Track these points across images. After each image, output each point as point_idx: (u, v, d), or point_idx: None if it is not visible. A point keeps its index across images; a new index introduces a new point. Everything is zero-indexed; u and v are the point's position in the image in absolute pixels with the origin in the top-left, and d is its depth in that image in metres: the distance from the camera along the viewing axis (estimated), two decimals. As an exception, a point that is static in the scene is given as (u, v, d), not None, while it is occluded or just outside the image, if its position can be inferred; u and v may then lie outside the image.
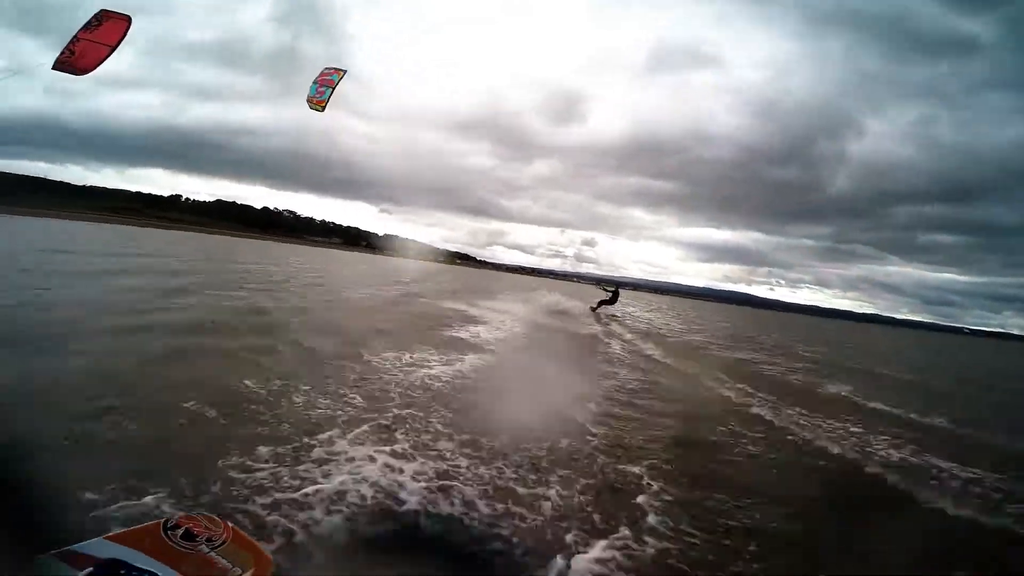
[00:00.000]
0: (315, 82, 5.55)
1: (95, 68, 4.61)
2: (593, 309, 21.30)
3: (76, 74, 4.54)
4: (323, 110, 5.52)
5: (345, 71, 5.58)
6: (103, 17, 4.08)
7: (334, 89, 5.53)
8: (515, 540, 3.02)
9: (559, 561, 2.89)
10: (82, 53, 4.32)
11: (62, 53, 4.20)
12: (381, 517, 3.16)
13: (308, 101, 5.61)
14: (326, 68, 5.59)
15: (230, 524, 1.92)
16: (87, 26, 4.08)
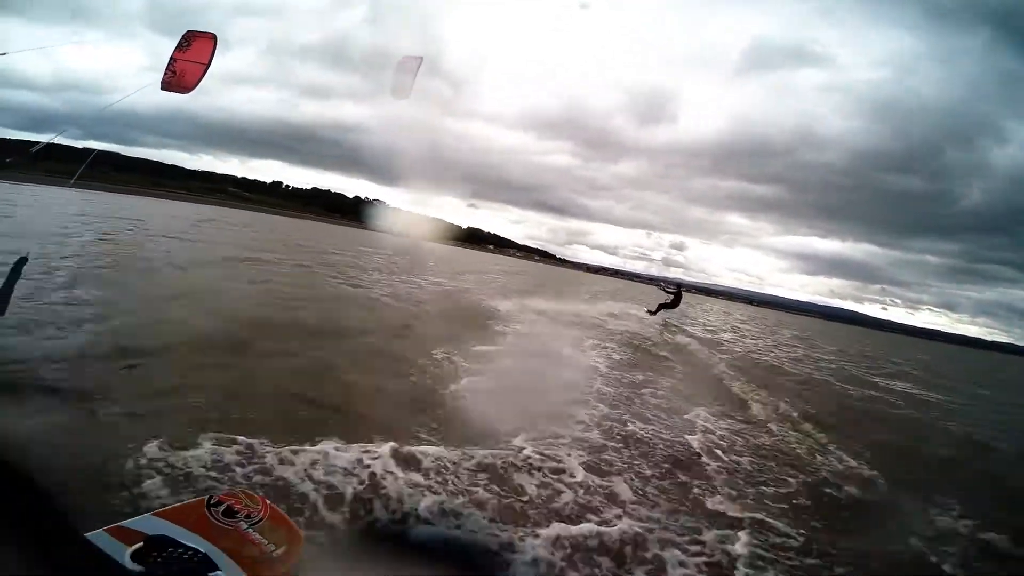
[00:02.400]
0: (395, 71, 5.65)
1: (197, 86, 4.83)
2: (651, 313, 18.91)
3: (182, 93, 4.80)
4: (405, 99, 5.66)
5: (421, 58, 5.63)
6: (191, 37, 4.26)
7: (415, 76, 5.61)
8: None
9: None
10: (182, 73, 4.53)
11: (165, 75, 4.43)
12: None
13: (391, 91, 5.78)
14: (404, 57, 5.67)
15: (268, 501, 2.02)
16: (179, 47, 4.28)
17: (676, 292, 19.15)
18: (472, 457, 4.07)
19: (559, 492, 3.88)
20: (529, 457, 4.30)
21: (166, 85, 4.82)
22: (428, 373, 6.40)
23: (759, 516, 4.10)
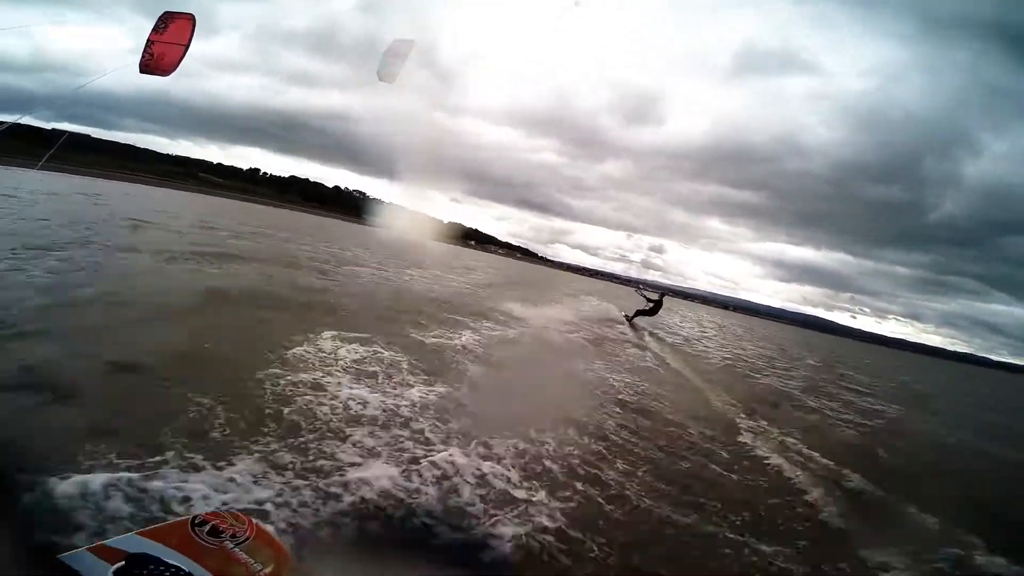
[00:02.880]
0: (385, 54, 5.68)
1: (177, 67, 4.83)
2: (629, 319, 18.34)
3: (162, 75, 4.79)
4: (392, 83, 5.65)
5: (413, 41, 5.63)
6: (168, 19, 4.26)
7: (405, 60, 5.62)
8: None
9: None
10: (161, 55, 4.53)
11: (143, 57, 4.43)
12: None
13: (379, 74, 5.68)
14: (395, 40, 5.68)
15: (254, 521, 2.03)
16: (156, 29, 4.28)
17: (658, 300, 18.24)
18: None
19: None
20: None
21: (144, 67, 4.79)
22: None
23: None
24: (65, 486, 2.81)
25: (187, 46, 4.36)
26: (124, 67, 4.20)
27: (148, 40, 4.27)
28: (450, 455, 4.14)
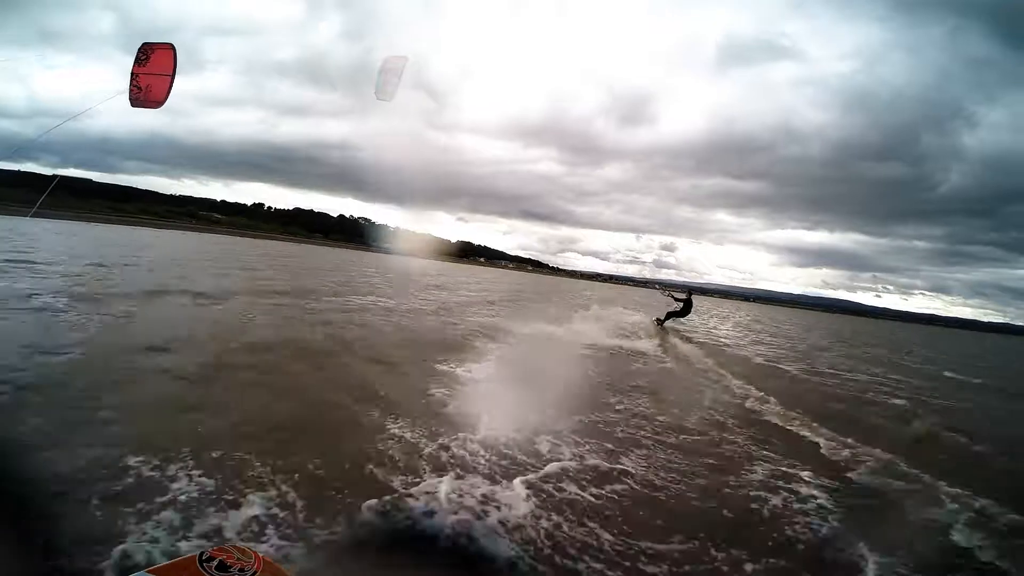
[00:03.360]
0: (380, 72, 5.67)
1: (166, 98, 4.82)
2: (659, 323, 17.88)
3: (155, 107, 4.79)
4: (390, 100, 5.65)
5: (407, 58, 5.62)
6: (148, 50, 4.24)
7: (400, 77, 5.62)
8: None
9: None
10: (148, 87, 4.52)
11: (131, 91, 4.42)
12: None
13: (376, 93, 5.65)
14: (389, 56, 5.69)
15: (260, 554, 1.90)
16: (138, 61, 4.25)
17: (686, 299, 17.87)
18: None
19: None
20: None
21: (135, 101, 4.79)
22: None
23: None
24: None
25: (173, 75, 4.33)
26: (109, 99, 4.19)
27: (132, 73, 4.26)
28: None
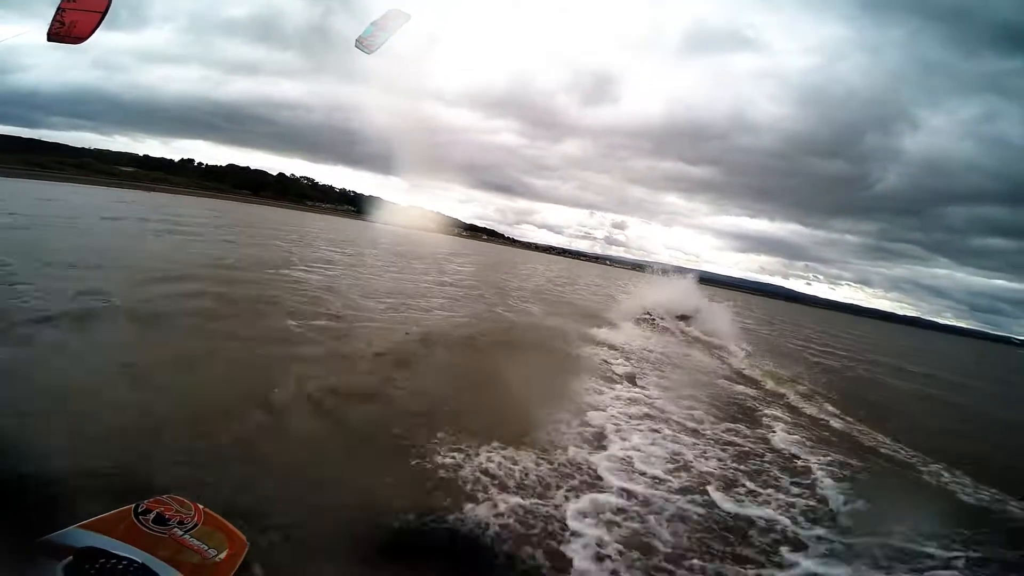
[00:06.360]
0: (373, 24, 5.54)
1: (90, 35, 4.79)
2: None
3: (73, 43, 4.74)
4: (370, 53, 5.54)
5: (409, 16, 5.53)
6: None
7: (392, 34, 5.54)
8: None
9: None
10: (73, 23, 4.49)
11: (52, 25, 4.37)
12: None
13: (358, 41, 5.54)
14: (391, 10, 5.57)
15: (200, 506, 2.00)
16: None
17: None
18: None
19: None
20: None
21: (54, 36, 4.69)
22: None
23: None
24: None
25: (104, 13, 4.34)
26: (19, 35, 4.13)
27: (59, 8, 4.23)
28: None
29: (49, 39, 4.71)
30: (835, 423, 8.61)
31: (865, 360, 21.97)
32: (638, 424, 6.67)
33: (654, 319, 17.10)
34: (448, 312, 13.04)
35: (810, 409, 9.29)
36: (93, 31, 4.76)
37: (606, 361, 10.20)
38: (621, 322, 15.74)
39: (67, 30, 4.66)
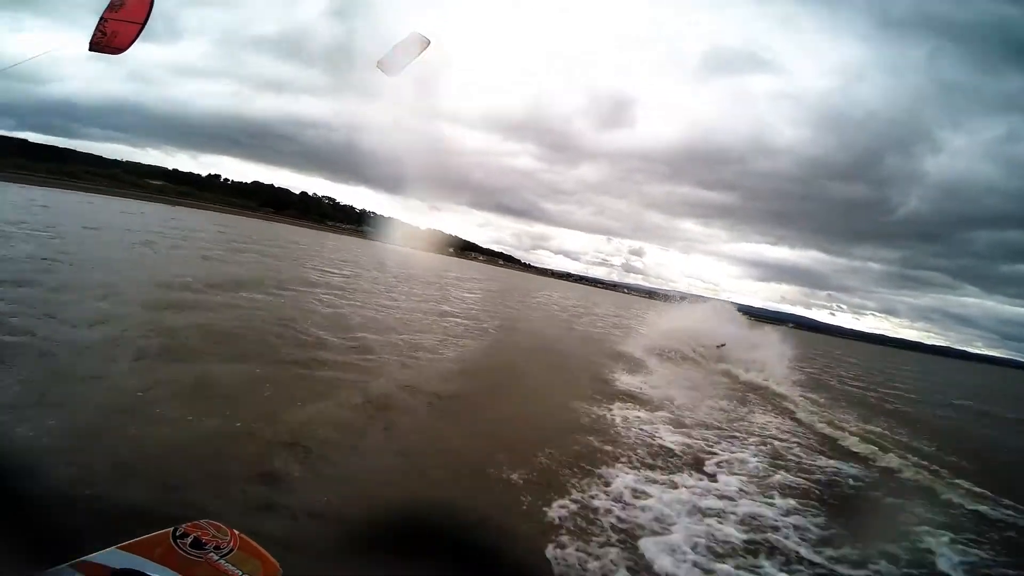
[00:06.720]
0: (394, 47, 5.60)
1: (130, 46, 4.91)
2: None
3: (114, 53, 4.87)
4: (391, 76, 5.56)
5: (429, 41, 5.57)
6: None
7: (412, 60, 5.58)
8: None
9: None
10: (114, 33, 4.62)
11: (94, 35, 4.50)
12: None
13: (379, 64, 5.56)
14: (413, 32, 5.61)
15: (236, 531, 2.03)
16: (111, 7, 4.33)
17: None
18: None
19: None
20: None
21: (95, 45, 4.83)
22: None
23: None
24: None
25: (143, 24, 4.44)
26: (63, 47, 4.26)
27: (102, 18, 4.35)
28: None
29: (91, 49, 4.83)
30: (986, 509, 6.73)
31: (941, 403, 20.38)
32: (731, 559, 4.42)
33: (691, 356, 16.01)
34: (435, 355, 10.48)
35: (945, 491, 7.27)
36: (133, 42, 4.86)
37: (650, 434, 7.68)
38: (655, 363, 14.37)
39: (108, 40, 4.76)
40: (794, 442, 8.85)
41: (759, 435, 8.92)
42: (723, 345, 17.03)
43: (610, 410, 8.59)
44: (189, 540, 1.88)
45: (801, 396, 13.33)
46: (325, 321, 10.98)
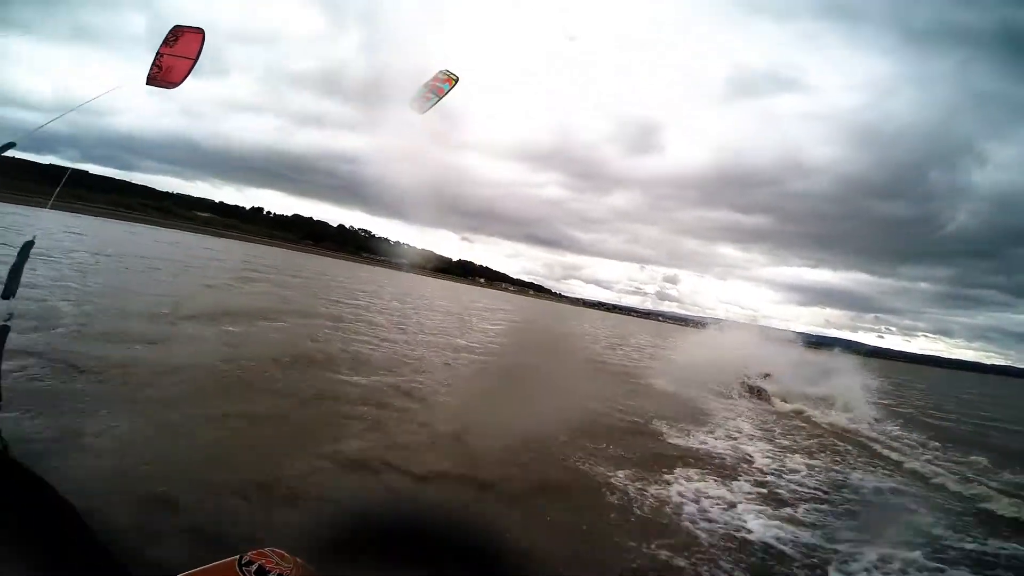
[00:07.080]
0: (424, 85, 5.79)
1: (184, 80, 5.22)
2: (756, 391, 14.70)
3: (168, 88, 5.16)
4: (422, 113, 5.77)
5: (458, 79, 5.72)
6: (179, 32, 4.61)
7: (441, 97, 5.75)
8: None
9: None
10: (169, 68, 4.91)
11: (151, 70, 4.81)
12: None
13: (412, 103, 5.77)
14: (439, 72, 5.76)
15: (299, 559, 1.91)
16: (166, 42, 4.61)
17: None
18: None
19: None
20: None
21: (152, 80, 5.16)
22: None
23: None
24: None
25: (196, 60, 4.70)
26: (128, 84, 4.50)
27: (158, 53, 4.64)
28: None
29: (148, 83, 5.12)
30: None
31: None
32: None
33: (745, 393, 14.27)
34: (430, 415, 7.90)
35: None
36: (186, 77, 5.12)
37: (736, 526, 5.64)
38: (712, 402, 12.62)
39: (164, 75, 5.04)
40: (939, 515, 6.86)
41: (883, 505, 7.04)
42: (768, 375, 15.76)
43: (668, 485, 6.49)
44: (254, 568, 1.75)
45: (901, 441, 11.47)
46: (286, 355, 9.71)
